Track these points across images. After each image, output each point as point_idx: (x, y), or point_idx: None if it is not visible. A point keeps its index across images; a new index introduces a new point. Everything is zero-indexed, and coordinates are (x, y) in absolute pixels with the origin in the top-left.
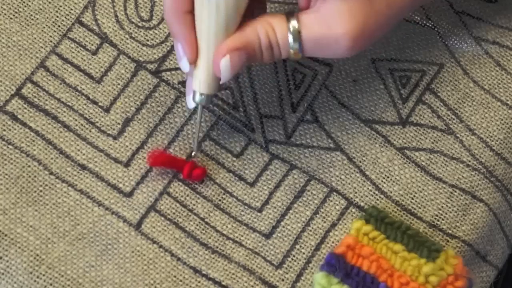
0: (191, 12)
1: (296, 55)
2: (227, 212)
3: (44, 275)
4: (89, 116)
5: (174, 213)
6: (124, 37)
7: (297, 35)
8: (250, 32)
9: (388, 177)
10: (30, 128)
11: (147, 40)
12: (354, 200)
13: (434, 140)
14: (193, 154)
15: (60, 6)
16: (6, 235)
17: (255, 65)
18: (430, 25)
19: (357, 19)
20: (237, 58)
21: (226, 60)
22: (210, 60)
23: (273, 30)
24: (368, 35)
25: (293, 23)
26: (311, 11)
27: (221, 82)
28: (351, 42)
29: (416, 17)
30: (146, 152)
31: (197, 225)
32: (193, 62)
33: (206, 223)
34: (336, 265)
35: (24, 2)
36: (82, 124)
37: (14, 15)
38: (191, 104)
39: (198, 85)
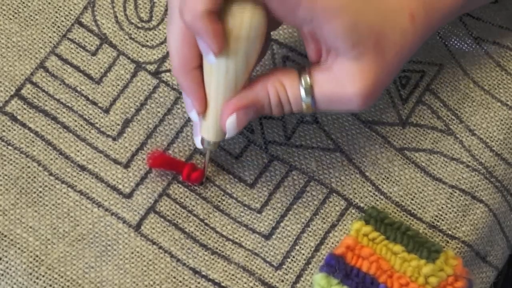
0: (200, 66)
1: (308, 110)
2: (226, 213)
3: (43, 276)
4: (88, 117)
5: (173, 214)
6: (124, 38)
7: (310, 91)
8: (260, 90)
9: (388, 177)
10: (29, 129)
11: (147, 41)
12: (354, 201)
13: (434, 141)
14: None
15: (60, 7)
16: (5, 236)
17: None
18: None
19: (369, 78)
20: (244, 116)
21: (232, 119)
22: (219, 112)
23: (284, 88)
24: (380, 88)
25: (306, 80)
26: (323, 69)
27: (226, 137)
28: (363, 99)
29: None
30: (146, 153)
31: (196, 226)
32: (202, 114)
33: (206, 224)
34: (336, 266)
35: (23, 3)
36: (81, 125)
37: (13, 16)
38: (199, 145)
39: (207, 133)
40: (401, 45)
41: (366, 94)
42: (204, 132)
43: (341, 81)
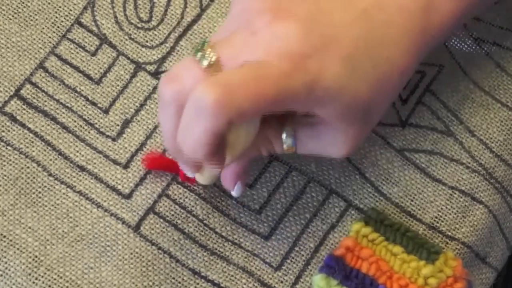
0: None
1: (289, 150)
2: (226, 214)
3: (42, 276)
4: (88, 117)
5: (173, 215)
6: (124, 38)
7: (292, 146)
8: (253, 151)
9: (387, 178)
10: (29, 129)
11: (147, 41)
12: (354, 202)
13: (434, 142)
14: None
15: (59, 7)
16: (4, 237)
17: None
18: None
19: (352, 142)
20: (246, 178)
21: (239, 186)
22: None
23: (272, 145)
24: (361, 143)
25: (289, 140)
26: (309, 129)
27: (234, 196)
28: (343, 156)
29: None
30: (145, 153)
31: (196, 226)
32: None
33: (205, 224)
34: (335, 267)
35: (23, 3)
36: (81, 125)
37: (13, 16)
38: (199, 179)
39: (202, 180)
40: (387, 105)
41: (347, 154)
42: (200, 178)
43: (324, 144)
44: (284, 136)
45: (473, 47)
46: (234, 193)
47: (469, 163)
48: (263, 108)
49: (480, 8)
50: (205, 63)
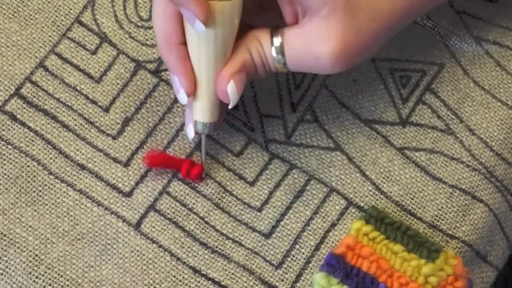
0: (184, 43)
1: (283, 69)
2: (226, 212)
3: (43, 275)
4: (88, 116)
5: (173, 213)
6: (124, 36)
7: (280, 50)
8: (244, 52)
9: (388, 177)
10: (29, 128)
11: (147, 40)
12: (354, 200)
13: (434, 140)
14: (202, 179)
15: (60, 6)
16: (5, 235)
17: None
18: (431, 25)
19: (337, 38)
20: (240, 80)
21: (232, 86)
22: (211, 88)
23: (261, 46)
24: (352, 52)
25: (277, 38)
26: (295, 27)
27: (230, 107)
28: (331, 60)
29: None
30: (146, 152)
31: (196, 224)
32: (191, 94)
33: (206, 222)
34: (336, 265)
35: (23, 2)
36: (81, 124)
37: (13, 15)
38: (191, 135)
39: (202, 115)
40: (376, 11)
41: (334, 54)
42: (198, 114)
43: (310, 39)
44: (274, 52)
45: (473, 46)
46: (230, 94)
47: (470, 161)
48: None
49: None
50: None
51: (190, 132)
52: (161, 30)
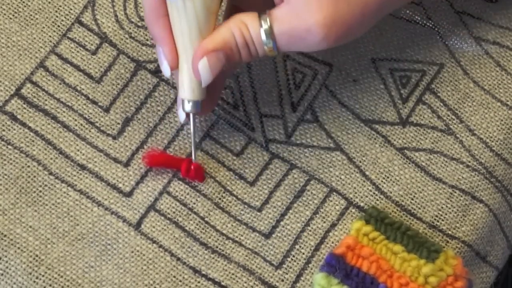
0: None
1: (271, 52)
2: (227, 211)
3: (43, 275)
4: (88, 116)
5: (173, 213)
6: (124, 36)
7: (269, 30)
8: (225, 31)
9: (388, 177)
10: (29, 128)
11: (147, 40)
12: (354, 201)
13: (434, 141)
14: (193, 159)
15: (60, 6)
16: (5, 236)
17: (255, 65)
18: (431, 25)
19: (327, 7)
20: (215, 59)
21: (204, 63)
22: (190, 64)
23: (246, 28)
24: (342, 24)
25: (265, 19)
26: (282, 5)
27: (202, 86)
28: (323, 30)
29: (417, 17)
30: (146, 151)
31: (197, 224)
32: (175, 67)
33: (206, 222)
34: (336, 265)
35: (23, 2)
36: (81, 124)
37: (13, 15)
38: (182, 116)
39: (183, 92)
40: None
41: (325, 25)
42: (181, 91)
43: (299, 12)
44: (263, 35)
45: (473, 46)
46: (201, 73)
47: (469, 162)
48: None
49: None
50: None
51: (181, 115)
52: (147, 2)
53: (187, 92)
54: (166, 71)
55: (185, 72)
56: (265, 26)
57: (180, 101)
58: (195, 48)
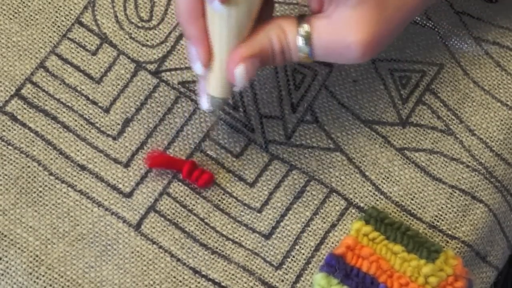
0: (204, 16)
1: (306, 59)
2: (226, 213)
3: (43, 275)
4: (88, 117)
5: (173, 214)
6: (124, 37)
7: (308, 39)
8: (263, 37)
9: (388, 177)
10: (29, 128)
11: (147, 41)
12: (354, 201)
13: (434, 141)
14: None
15: (60, 7)
16: (5, 236)
17: None
18: (430, 26)
19: (368, 27)
20: (251, 66)
21: (241, 69)
22: (223, 64)
23: (284, 34)
24: (380, 41)
25: (304, 27)
26: (322, 16)
27: (236, 90)
28: (362, 49)
29: (416, 18)
30: (146, 152)
31: (196, 225)
32: (207, 65)
33: (206, 223)
34: (336, 266)
35: (23, 3)
36: (81, 125)
37: (13, 16)
38: (205, 105)
39: (212, 89)
40: (403, 1)
41: (365, 43)
42: (210, 88)
43: (340, 29)
44: (300, 42)
45: (473, 46)
46: (236, 78)
47: (469, 162)
48: None
49: None
50: None
51: (203, 102)
52: (184, 1)
53: (217, 90)
54: (198, 70)
55: (217, 71)
56: (303, 34)
57: (203, 91)
58: (230, 50)
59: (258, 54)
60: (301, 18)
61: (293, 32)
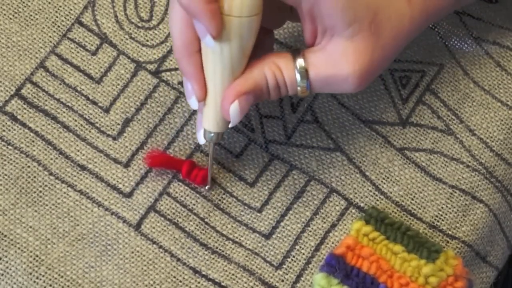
0: (200, 50)
1: (303, 93)
2: (227, 212)
3: (43, 275)
4: (88, 117)
5: (173, 213)
6: (124, 37)
7: (305, 74)
8: (257, 74)
9: (388, 177)
10: (29, 128)
11: (147, 41)
12: (354, 201)
13: (434, 141)
14: (206, 187)
15: (60, 7)
16: (5, 236)
17: None
18: (430, 26)
19: (364, 57)
20: (245, 102)
21: (235, 106)
22: (218, 100)
23: (280, 71)
24: (375, 69)
25: (300, 62)
26: (317, 50)
27: (230, 126)
28: (358, 80)
29: None
30: (146, 152)
31: (197, 225)
32: (202, 100)
33: (206, 223)
34: (336, 266)
35: (23, 3)
36: (81, 125)
37: (13, 16)
38: (201, 140)
39: (207, 124)
40: (398, 28)
41: (361, 75)
42: (205, 123)
43: (335, 61)
44: (298, 77)
45: (473, 46)
46: (231, 116)
47: (470, 162)
48: None
49: None
50: None
51: (200, 138)
52: (179, 37)
53: (212, 125)
54: (193, 105)
55: (211, 107)
56: (300, 68)
57: (201, 125)
58: (225, 86)
59: (252, 90)
60: (295, 53)
61: (289, 69)
